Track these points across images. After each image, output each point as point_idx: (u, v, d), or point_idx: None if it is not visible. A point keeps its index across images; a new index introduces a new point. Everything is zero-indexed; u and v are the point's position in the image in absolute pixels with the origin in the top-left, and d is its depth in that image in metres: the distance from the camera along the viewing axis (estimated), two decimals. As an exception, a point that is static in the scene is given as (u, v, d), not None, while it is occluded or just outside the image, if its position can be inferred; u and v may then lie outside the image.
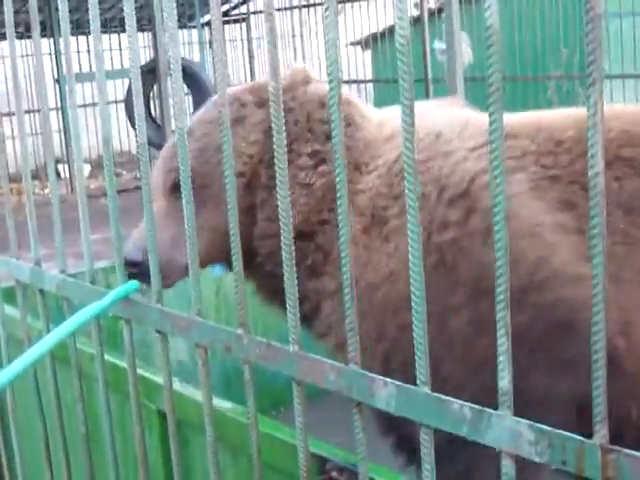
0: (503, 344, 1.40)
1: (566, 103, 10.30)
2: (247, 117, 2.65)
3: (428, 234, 2.28)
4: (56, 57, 14.33)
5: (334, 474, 1.87)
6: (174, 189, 2.55)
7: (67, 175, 14.69)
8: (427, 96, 10.53)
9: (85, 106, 12.58)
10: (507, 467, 1.44)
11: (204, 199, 2.53)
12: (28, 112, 12.93)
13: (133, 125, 12.75)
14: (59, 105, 14.21)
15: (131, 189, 12.39)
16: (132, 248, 2.54)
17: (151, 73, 12.45)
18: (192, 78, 13.11)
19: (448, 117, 2.60)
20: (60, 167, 14.31)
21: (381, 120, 2.69)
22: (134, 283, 2.32)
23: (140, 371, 2.48)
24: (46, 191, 13.23)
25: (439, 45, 11.81)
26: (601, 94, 1.24)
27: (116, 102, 14.25)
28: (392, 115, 2.64)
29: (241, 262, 1.92)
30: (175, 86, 2.06)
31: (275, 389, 3.88)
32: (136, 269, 2.45)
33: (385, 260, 2.38)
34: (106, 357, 2.58)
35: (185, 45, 15.98)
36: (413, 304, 1.53)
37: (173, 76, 2.05)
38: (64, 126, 13.69)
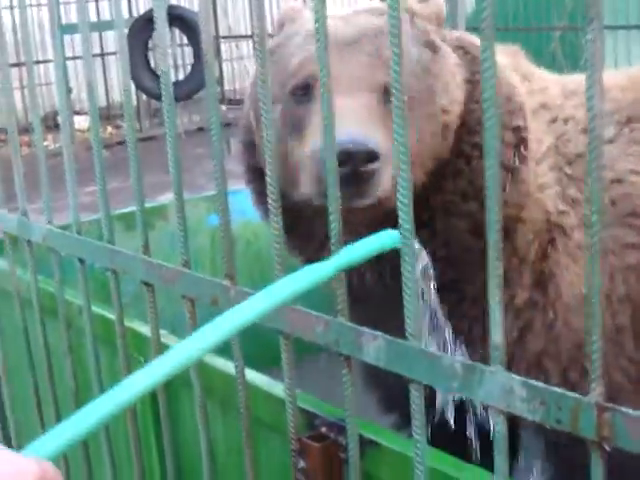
0: (495, 295, 1.34)
1: (570, 55, 10.15)
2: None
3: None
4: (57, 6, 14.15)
5: (323, 430, 1.82)
6: (385, 95, 2.13)
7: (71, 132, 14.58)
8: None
9: (75, 58, 12.51)
10: (499, 424, 1.39)
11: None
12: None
13: (131, 76, 12.67)
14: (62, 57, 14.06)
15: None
16: (360, 131, 2.02)
17: (150, 22, 12.28)
18: (192, 29, 12.87)
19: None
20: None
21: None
22: (392, 233, 1.52)
23: (129, 323, 2.43)
24: (45, 143, 13.13)
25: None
26: (601, 32, 1.17)
27: (116, 53, 14.09)
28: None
29: (227, 214, 1.87)
30: (159, 32, 1.97)
31: (276, 345, 3.82)
32: (374, 165, 1.98)
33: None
34: (95, 309, 2.54)
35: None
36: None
37: (157, 23, 1.96)
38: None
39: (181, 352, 1.29)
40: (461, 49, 2.41)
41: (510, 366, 1.43)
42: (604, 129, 1.19)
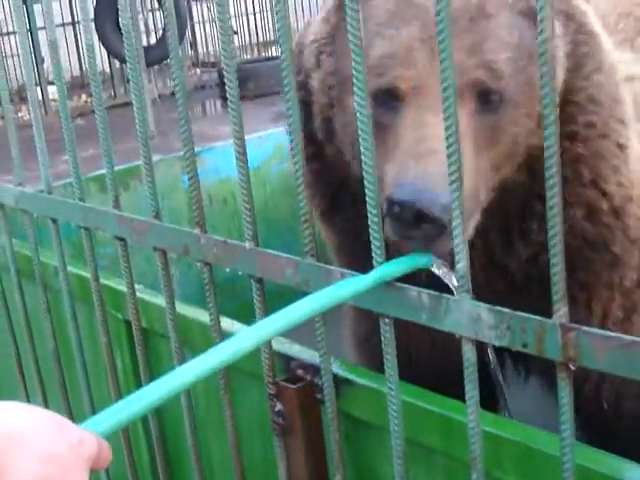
0: (457, 227, 1.35)
1: None
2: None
3: None
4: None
5: (299, 372, 1.84)
6: (479, 97, 1.83)
7: (40, 97, 14.45)
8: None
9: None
10: (468, 352, 1.41)
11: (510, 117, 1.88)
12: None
13: (103, 42, 12.54)
14: (28, 27, 13.89)
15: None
16: (432, 191, 1.59)
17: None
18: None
19: None
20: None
21: None
22: (426, 256, 1.61)
23: (105, 281, 2.43)
24: (20, 114, 13.01)
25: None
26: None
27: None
28: None
29: (194, 165, 1.86)
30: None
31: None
32: (430, 226, 1.60)
33: None
34: (71, 269, 2.54)
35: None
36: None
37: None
38: (33, 47, 13.41)
39: (236, 342, 1.36)
40: (563, 13, 2.00)
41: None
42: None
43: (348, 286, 1.50)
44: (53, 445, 1.03)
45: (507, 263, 2.11)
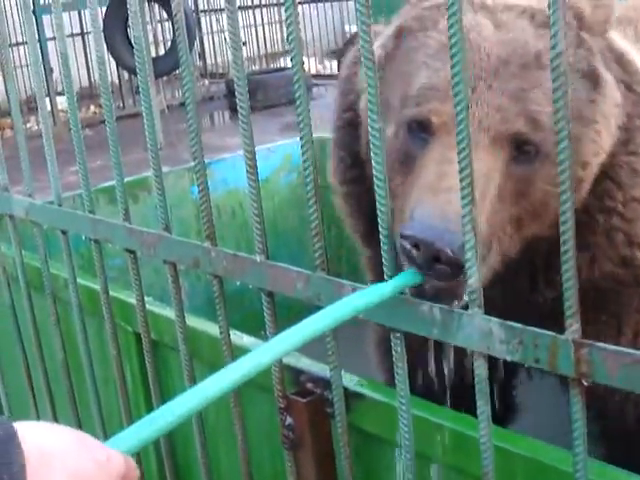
0: (470, 240, 1.34)
1: None
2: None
3: None
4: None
5: (309, 385, 1.83)
6: (516, 145, 1.78)
7: (49, 108, 14.50)
8: None
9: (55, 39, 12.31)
10: (479, 368, 1.40)
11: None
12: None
13: (112, 53, 12.56)
14: (37, 37, 13.94)
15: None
16: (445, 231, 1.51)
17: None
18: (171, 4, 12.74)
19: None
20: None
21: None
22: (416, 273, 1.52)
23: (114, 293, 2.43)
24: (28, 125, 13.05)
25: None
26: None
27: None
28: None
29: (205, 178, 1.85)
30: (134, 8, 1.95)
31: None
32: (446, 267, 1.50)
33: None
34: (81, 281, 2.54)
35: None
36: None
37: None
38: (43, 59, 13.45)
39: (254, 358, 1.34)
40: (624, 83, 1.92)
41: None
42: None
43: (362, 298, 1.47)
44: (81, 463, 1.04)
45: (533, 299, 2.09)
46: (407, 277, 1.51)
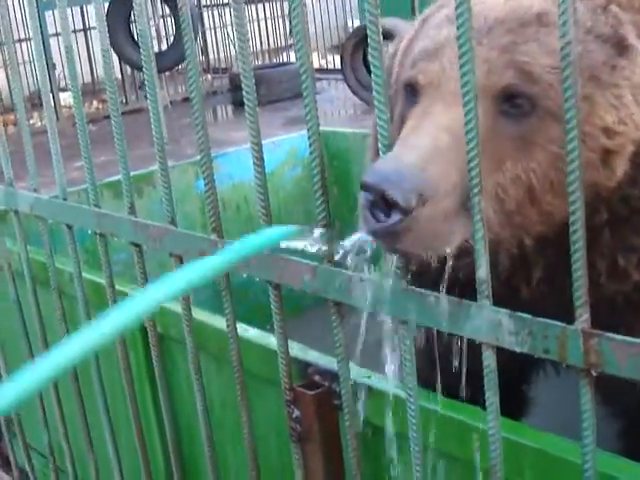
0: (479, 230, 1.34)
1: None
2: None
3: None
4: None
5: (316, 378, 1.83)
6: (505, 98, 1.72)
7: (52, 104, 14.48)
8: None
9: (58, 35, 12.32)
10: (488, 359, 1.40)
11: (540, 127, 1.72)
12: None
13: (115, 49, 12.56)
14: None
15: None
16: (398, 174, 1.47)
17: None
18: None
19: None
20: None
21: None
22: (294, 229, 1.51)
23: (120, 287, 2.43)
24: (32, 121, 13.05)
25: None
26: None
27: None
28: None
29: (211, 171, 1.85)
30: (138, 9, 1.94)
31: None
32: (400, 217, 1.46)
33: None
34: (86, 275, 2.54)
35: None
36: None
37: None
38: (45, 55, 13.45)
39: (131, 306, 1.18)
40: None
41: None
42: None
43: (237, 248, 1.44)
44: None
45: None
46: (288, 230, 1.48)
